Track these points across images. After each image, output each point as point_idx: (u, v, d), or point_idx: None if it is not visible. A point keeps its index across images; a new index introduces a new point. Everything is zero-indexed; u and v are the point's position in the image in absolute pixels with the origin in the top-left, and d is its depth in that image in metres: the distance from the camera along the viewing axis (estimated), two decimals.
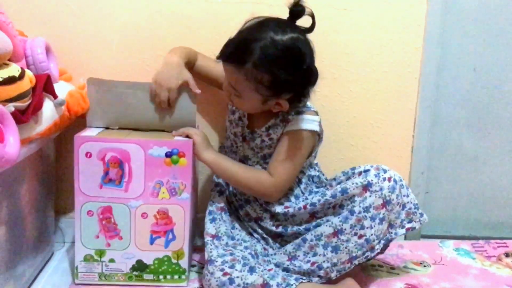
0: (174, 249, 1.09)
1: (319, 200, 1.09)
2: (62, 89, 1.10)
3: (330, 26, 1.23)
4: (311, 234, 1.07)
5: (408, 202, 1.09)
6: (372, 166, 1.07)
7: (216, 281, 1.01)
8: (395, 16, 1.26)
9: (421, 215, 1.11)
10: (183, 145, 1.05)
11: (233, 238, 1.13)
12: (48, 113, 1.01)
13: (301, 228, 1.11)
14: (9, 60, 0.93)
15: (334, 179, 1.16)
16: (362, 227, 1.03)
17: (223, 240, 1.10)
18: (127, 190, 1.06)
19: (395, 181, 1.05)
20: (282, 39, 0.99)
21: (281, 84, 1.01)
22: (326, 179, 1.20)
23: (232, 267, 1.01)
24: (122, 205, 1.07)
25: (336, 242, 1.05)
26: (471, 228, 1.44)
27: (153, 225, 1.08)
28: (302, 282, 1.03)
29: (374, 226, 1.03)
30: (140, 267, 1.10)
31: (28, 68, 1.03)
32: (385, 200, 1.03)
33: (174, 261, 1.10)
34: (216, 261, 1.03)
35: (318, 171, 1.22)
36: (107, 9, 1.23)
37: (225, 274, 1.01)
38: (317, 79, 1.04)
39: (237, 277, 1.00)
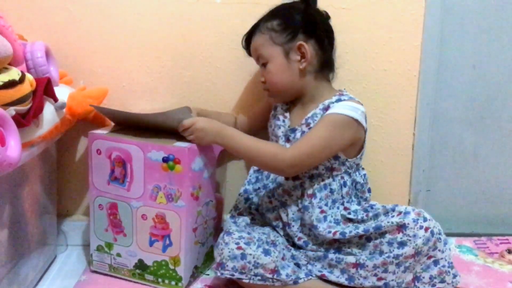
0: (171, 255, 1.09)
1: (350, 231, 1.06)
2: (62, 92, 1.10)
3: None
4: (333, 254, 1.07)
5: (442, 259, 1.03)
6: (414, 210, 1.02)
7: (229, 252, 1.00)
8: (394, 15, 1.26)
9: (454, 276, 1.05)
10: (179, 152, 1.03)
11: (252, 227, 1.15)
12: (49, 116, 1.01)
13: (321, 249, 1.09)
14: (9, 64, 0.93)
15: (372, 206, 1.11)
16: (385, 271, 1.01)
17: (242, 224, 1.16)
18: (129, 190, 1.08)
19: (432, 232, 1.00)
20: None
21: (291, 21, 1.08)
22: (367, 198, 1.16)
23: (247, 244, 1.01)
24: (125, 203, 1.10)
25: (353, 274, 1.04)
26: (473, 225, 1.44)
27: (152, 228, 1.09)
28: (311, 278, 1.04)
29: (397, 272, 1.01)
30: (141, 266, 1.12)
31: (28, 71, 1.03)
32: (416, 251, 0.99)
33: (171, 266, 1.10)
34: (234, 234, 1.03)
35: (364, 180, 1.17)
36: (106, 12, 1.24)
37: (239, 248, 1.00)
38: (326, 25, 1.13)
39: (250, 254, 0.99)
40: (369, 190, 1.17)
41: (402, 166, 1.35)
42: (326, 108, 1.09)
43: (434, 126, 1.36)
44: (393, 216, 1.03)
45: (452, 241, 1.36)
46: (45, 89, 0.98)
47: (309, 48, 1.08)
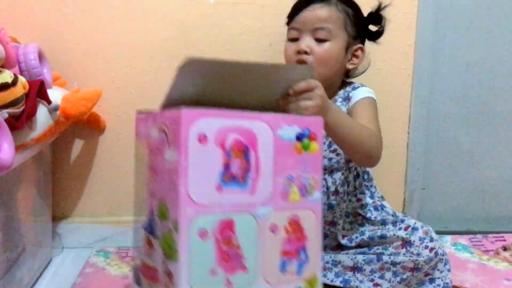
0: (307, 275, 0.78)
1: (356, 237, 1.06)
2: (56, 94, 1.10)
3: None
4: (329, 257, 1.07)
5: (438, 278, 1.02)
6: (422, 227, 1.01)
7: None
8: (387, 14, 1.26)
9: None
10: (314, 124, 0.78)
11: None
12: (43, 118, 1.01)
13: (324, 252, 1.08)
14: (1, 66, 0.93)
15: (383, 207, 1.10)
16: (382, 277, 1.01)
17: None
18: (253, 192, 0.73)
19: (436, 253, 0.99)
20: None
21: (361, 21, 1.06)
22: (375, 186, 1.15)
23: None
24: (248, 215, 0.73)
25: (349, 277, 1.04)
26: (468, 223, 1.44)
27: (284, 243, 0.76)
28: None
29: (393, 282, 1.01)
30: None
31: (21, 74, 1.02)
32: (416, 267, 0.99)
33: None
34: None
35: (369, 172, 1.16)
36: (100, 14, 1.23)
37: None
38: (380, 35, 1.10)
39: None
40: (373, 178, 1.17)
41: (397, 165, 1.36)
42: (347, 98, 1.07)
43: (428, 125, 1.37)
44: (400, 229, 1.02)
45: (448, 239, 1.36)
46: (38, 91, 0.98)
47: (362, 55, 1.08)
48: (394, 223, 1.05)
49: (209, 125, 0.69)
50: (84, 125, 1.27)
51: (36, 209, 1.14)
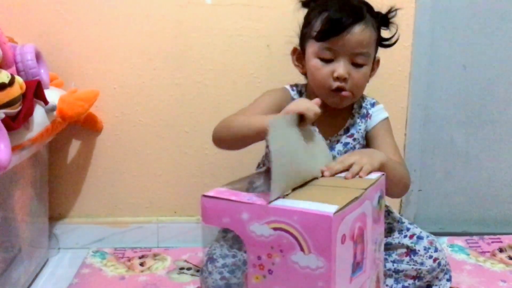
0: None
1: None
2: (53, 95, 1.09)
3: None
4: None
5: (436, 286, 1.03)
6: (428, 237, 1.00)
7: (213, 283, 0.93)
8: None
9: None
10: (381, 184, 0.78)
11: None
12: (40, 119, 1.01)
13: None
14: None
15: (389, 213, 1.07)
16: (383, 283, 1.01)
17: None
18: (365, 270, 0.72)
19: (439, 264, 0.99)
20: None
21: (380, 33, 1.00)
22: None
23: (231, 272, 0.92)
24: None
25: None
26: (465, 225, 1.44)
27: None
28: None
29: None
30: None
31: (18, 74, 1.02)
32: (418, 275, 1.00)
33: None
34: (217, 262, 0.92)
35: None
36: (97, 14, 1.23)
37: (222, 278, 0.93)
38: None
39: (235, 283, 0.93)
40: None
41: None
42: (366, 115, 1.05)
43: (425, 126, 1.37)
44: (406, 236, 1.02)
45: (444, 240, 1.36)
46: (35, 92, 0.98)
47: (378, 65, 1.05)
48: (400, 231, 1.04)
49: (347, 222, 0.65)
50: (81, 126, 1.26)
51: (33, 210, 1.14)
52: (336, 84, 0.95)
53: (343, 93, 0.96)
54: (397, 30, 1.02)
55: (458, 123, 1.39)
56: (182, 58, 1.26)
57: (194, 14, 1.24)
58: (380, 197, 0.76)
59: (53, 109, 1.04)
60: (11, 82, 0.90)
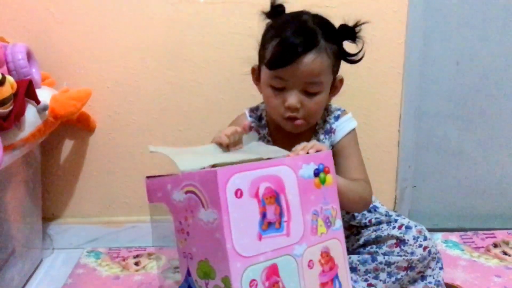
0: None
1: (352, 245, 1.07)
2: (45, 94, 1.09)
3: None
4: None
5: (430, 276, 1.03)
6: (416, 226, 1.01)
7: None
8: (377, 12, 1.26)
9: None
10: (326, 158, 0.83)
11: None
12: (31, 118, 1.00)
13: None
14: None
15: (375, 208, 1.10)
16: (376, 277, 1.02)
17: None
18: (289, 234, 0.76)
19: (429, 252, 0.99)
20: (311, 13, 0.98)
21: (343, 50, 0.96)
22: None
23: None
24: (288, 257, 0.75)
25: None
26: (459, 220, 1.45)
27: (320, 275, 0.79)
28: None
29: (388, 282, 1.01)
30: None
31: (9, 74, 1.02)
32: (410, 265, 0.99)
33: None
34: None
35: None
36: (89, 13, 1.23)
37: None
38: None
39: None
40: None
41: (388, 163, 1.36)
42: (330, 131, 1.04)
43: (419, 123, 1.37)
44: (394, 228, 1.02)
45: (439, 236, 1.37)
46: (27, 91, 0.97)
47: (341, 85, 1.02)
48: (388, 223, 1.05)
49: (242, 179, 0.71)
50: (74, 125, 1.26)
51: (26, 210, 1.14)
52: (287, 113, 0.95)
53: (296, 122, 0.96)
54: (363, 45, 0.97)
55: (451, 119, 1.39)
56: (175, 56, 1.26)
57: (186, 12, 1.23)
58: (319, 170, 0.81)
59: (45, 108, 1.04)
60: (2, 81, 0.90)
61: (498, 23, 1.34)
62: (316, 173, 0.81)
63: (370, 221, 1.08)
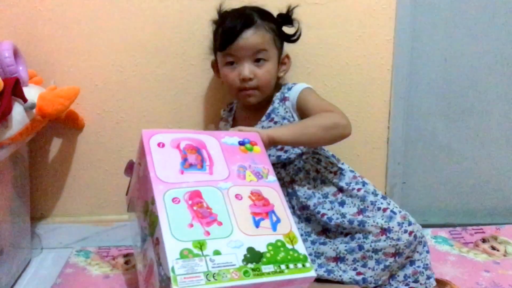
0: (284, 231, 0.88)
1: (337, 218, 1.07)
2: (32, 92, 1.08)
3: (302, 21, 1.23)
4: (312, 249, 1.07)
5: (418, 260, 1.06)
6: (400, 212, 1.04)
7: None
8: (366, 9, 1.27)
9: (428, 277, 1.07)
10: (252, 136, 0.99)
11: None
12: (19, 117, 0.99)
13: (309, 239, 1.10)
14: None
15: (364, 183, 1.12)
16: (365, 265, 1.03)
17: None
18: (212, 173, 0.91)
19: (415, 236, 1.02)
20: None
21: (282, 32, 1.14)
22: (344, 164, 1.17)
23: None
24: (211, 187, 0.89)
25: (332, 267, 1.05)
26: (448, 216, 1.46)
27: (251, 206, 0.89)
28: None
29: (376, 269, 1.02)
30: (253, 256, 0.83)
31: None
32: (397, 252, 1.02)
33: (289, 246, 0.87)
34: None
35: (328, 151, 1.19)
36: (77, 11, 1.22)
37: None
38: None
39: None
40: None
41: (378, 159, 1.37)
42: (283, 99, 1.14)
43: (408, 119, 1.38)
44: (379, 217, 1.04)
45: (428, 232, 1.38)
46: (14, 89, 0.96)
47: (289, 61, 1.18)
48: (373, 203, 1.07)
49: (164, 137, 0.92)
50: (62, 124, 1.25)
51: (14, 210, 1.13)
52: (243, 85, 1.10)
53: (249, 91, 1.11)
54: (299, 25, 1.16)
55: (440, 116, 1.40)
56: (164, 54, 1.25)
57: (175, 9, 1.23)
58: (244, 142, 0.96)
59: (32, 106, 1.03)
60: None
61: (486, 20, 1.35)
62: (241, 143, 0.96)
63: (359, 189, 1.10)
